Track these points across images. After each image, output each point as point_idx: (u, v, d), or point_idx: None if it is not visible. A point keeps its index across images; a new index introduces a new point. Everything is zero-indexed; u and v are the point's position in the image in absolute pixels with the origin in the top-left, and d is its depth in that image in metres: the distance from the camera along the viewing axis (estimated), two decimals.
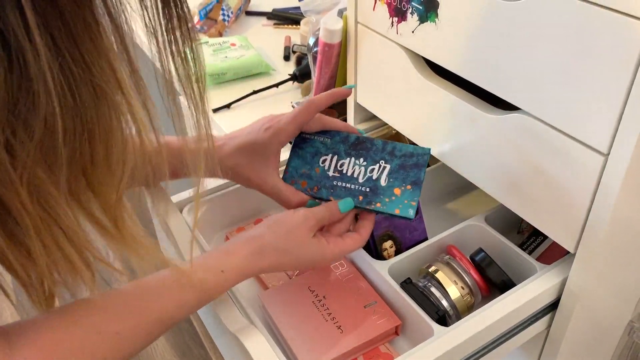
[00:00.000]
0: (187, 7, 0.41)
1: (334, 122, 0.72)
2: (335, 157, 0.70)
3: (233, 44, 1.31)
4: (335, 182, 0.68)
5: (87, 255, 0.44)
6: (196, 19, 1.42)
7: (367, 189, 0.67)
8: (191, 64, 0.43)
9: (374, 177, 0.67)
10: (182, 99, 0.45)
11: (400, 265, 0.73)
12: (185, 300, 0.56)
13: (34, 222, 0.39)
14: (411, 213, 0.65)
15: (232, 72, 1.23)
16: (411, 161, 0.67)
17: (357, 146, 0.70)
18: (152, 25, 0.40)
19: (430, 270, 0.71)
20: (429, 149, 0.67)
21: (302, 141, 0.72)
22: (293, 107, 1.09)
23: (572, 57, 0.55)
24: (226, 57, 1.25)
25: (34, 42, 0.33)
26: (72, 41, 0.35)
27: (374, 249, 0.75)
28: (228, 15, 1.45)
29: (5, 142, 0.36)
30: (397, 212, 0.65)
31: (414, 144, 0.90)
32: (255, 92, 1.17)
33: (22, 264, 0.41)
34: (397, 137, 0.95)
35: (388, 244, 0.75)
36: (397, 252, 0.76)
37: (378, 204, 0.66)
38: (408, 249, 0.75)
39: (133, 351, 0.52)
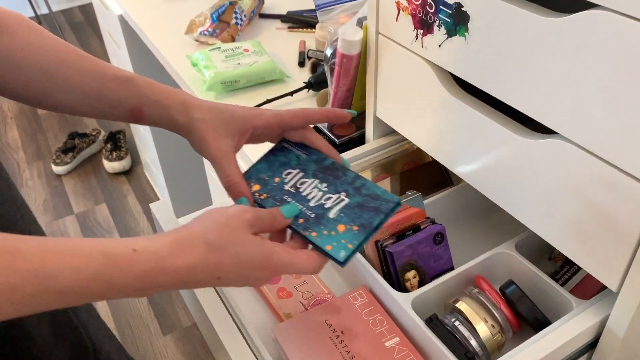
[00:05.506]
0: None
1: (317, 140, 0.67)
2: (301, 174, 0.64)
3: (246, 50, 1.26)
4: (285, 197, 0.62)
5: None
6: (208, 22, 1.37)
7: (313, 215, 0.59)
8: None
9: (326, 206, 0.60)
10: None
11: (424, 297, 0.68)
12: (79, 266, 0.45)
13: None
14: (342, 255, 0.55)
15: (245, 80, 1.18)
16: (373, 203, 0.59)
17: (328, 171, 0.64)
18: None
19: (457, 305, 0.66)
20: (399, 200, 0.59)
21: (279, 149, 0.68)
22: None
23: (621, 79, 0.50)
24: (239, 63, 1.20)
25: None
26: None
27: (395, 280, 0.70)
28: (241, 19, 1.40)
29: None
30: (327, 248, 0.56)
31: (436, 162, 0.84)
32: (268, 101, 1.12)
33: None
34: (419, 153, 0.90)
35: (411, 274, 0.70)
36: (420, 283, 0.70)
37: (314, 233, 0.58)
38: (433, 279, 0.70)
39: None
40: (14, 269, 0.42)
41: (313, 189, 0.62)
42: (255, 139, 0.66)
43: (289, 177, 0.64)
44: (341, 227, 0.58)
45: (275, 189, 0.64)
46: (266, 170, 0.66)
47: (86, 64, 0.63)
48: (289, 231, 0.61)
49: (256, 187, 0.65)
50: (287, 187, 0.63)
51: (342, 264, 0.56)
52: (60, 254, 0.45)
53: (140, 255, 0.47)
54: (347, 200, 0.60)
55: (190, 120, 0.63)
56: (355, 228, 0.57)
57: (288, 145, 0.68)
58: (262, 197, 0.63)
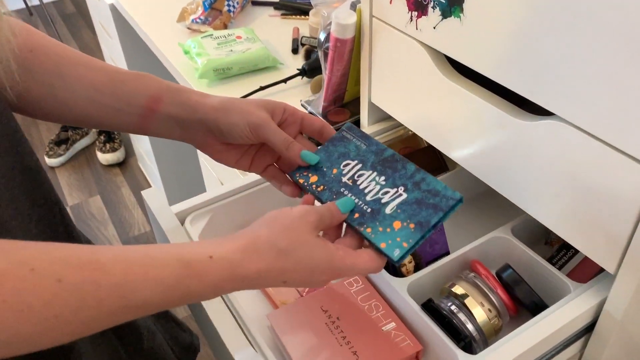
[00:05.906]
0: None
1: (313, 122, 0.67)
2: (359, 166, 0.63)
3: (239, 37, 1.24)
4: (342, 190, 0.61)
5: None
6: (200, 10, 1.35)
7: (369, 210, 0.58)
8: None
9: (383, 201, 0.58)
10: None
11: (420, 282, 0.67)
12: (160, 276, 0.44)
13: None
14: (396, 254, 0.54)
15: (238, 67, 1.17)
16: (432, 200, 0.56)
17: (387, 163, 0.62)
18: None
19: (453, 290, 0.65)
20: (461, 198, 0.56)
21: (339, 139, 0.66)
22: (303, 105, 1.03)
23: (620, 58, 0.49)
24: (231, 50, 1.19)
25: None
26: None
27: (391, 265, 0.69)
28: (234, 6, 1.39)
29: None
30: (382, 245, 0.55)
31: (431, 147, 0.84)
32: (262, 88, 1.11)
33: None
34: (414, 139, 0.89)
35: (407, 258, 0.69)
36: (416, 268, 0.70)
37: (368, 229, 0.56)
38: (429, 264, 0.69)
39: (77, 315, 0.41)
40: (100, 283, 0.41)
41: (370, 182, 0.60)
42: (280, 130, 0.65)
43: (347, 168, 0.63)
44: (397, 224, 0.56)
45: (333, 180, 0.62)
46: (325, 161, 0.65)
47: (97, 62, 0.63)
48: (344, 224, 0.60)
49: (314, 179, 0.63)
50: (344, 179, 0.62)
51: (396, 262, 0.54)
52: (140, 264, 0.44)
53: (216, 263, 0.47)
54: (404, 195, 0.58)
55: (219, 100, 0.62)
56: (412, 226, 0.55)
57: (348, 135, 0.66)
58: (319, 190, 0.62)
